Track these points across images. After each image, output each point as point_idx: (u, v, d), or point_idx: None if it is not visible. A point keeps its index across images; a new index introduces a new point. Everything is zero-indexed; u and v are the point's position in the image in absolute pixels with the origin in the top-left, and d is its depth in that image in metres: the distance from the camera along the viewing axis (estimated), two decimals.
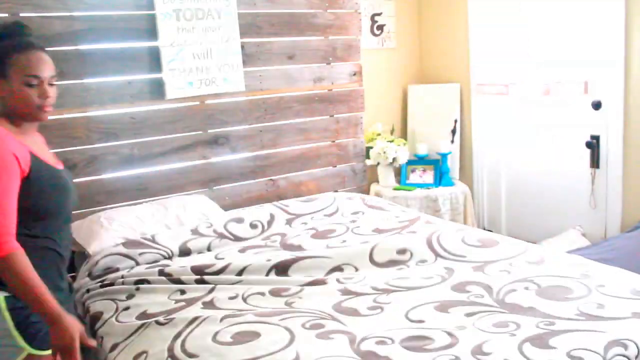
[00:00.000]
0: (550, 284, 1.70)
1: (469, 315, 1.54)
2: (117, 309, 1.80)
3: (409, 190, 3.45)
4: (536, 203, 3.52)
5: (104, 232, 2.39)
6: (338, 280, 1.86)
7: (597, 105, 3.07)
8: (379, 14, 3.77)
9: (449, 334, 1.43)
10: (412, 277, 1.81)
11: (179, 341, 1.47)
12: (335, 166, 3.40)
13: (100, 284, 2.06)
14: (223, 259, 2.16)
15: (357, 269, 1.95)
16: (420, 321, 1.52)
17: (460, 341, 1.39)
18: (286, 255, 2.11)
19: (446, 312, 1.57)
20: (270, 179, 3.17)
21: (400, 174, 3.66)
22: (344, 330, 1.46)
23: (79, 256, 2.40)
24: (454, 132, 3.77)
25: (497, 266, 1.84)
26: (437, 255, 1.97)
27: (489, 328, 1.46)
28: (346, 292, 1.73)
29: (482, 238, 2.07)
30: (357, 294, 1.71)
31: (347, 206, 2.67)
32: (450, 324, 1.49)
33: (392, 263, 1.96)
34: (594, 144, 3.11)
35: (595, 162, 3.13)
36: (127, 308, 1.78)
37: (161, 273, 2.02)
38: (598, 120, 3.09)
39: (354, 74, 3.39)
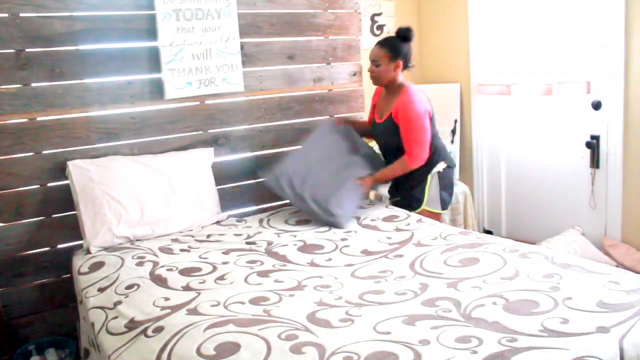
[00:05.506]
0: (518, 298, 1.68)
1: (434, 328, 1.54)
2: (106, 318, 1.83)
3: None
4: (536, 203, 3.52)
5: None
6: (315, 288, 1.90)
7: (597, 105, 3.07)
8: (379, 14, 3.77)
9: (413, 350, 1.43)
10: (387, 291, 1.84)
11: (165, 354, 1.51)
12: None
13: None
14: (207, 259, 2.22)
15: (336, 277, 2.00)
16: (387, 333, 1.54)
17: (422, 358, 1.39)
18: (269, 262, 2.17)
19: (413, 325, 1.57)
20: None
21: None
22: (316, 342, 1.50)
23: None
24: (454, 132, 3.77)
25: (470, 283, 1.84)
26: (415, 272, 1.99)
27: (452, 344, 1.45)
28: (321, 303, 1.77)
29: (464, 258, 2.06)
30: (331, 306, 1.75)
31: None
32: (415, 337, 1.49)
33: (370, 277, 2.00)
34: (594, 144, 3.11)
35: (595, 162, 3.13)
36: (115, 317, 1.81)
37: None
38: (598, 120, 3.09)
39: (354, 74, 3.39)
